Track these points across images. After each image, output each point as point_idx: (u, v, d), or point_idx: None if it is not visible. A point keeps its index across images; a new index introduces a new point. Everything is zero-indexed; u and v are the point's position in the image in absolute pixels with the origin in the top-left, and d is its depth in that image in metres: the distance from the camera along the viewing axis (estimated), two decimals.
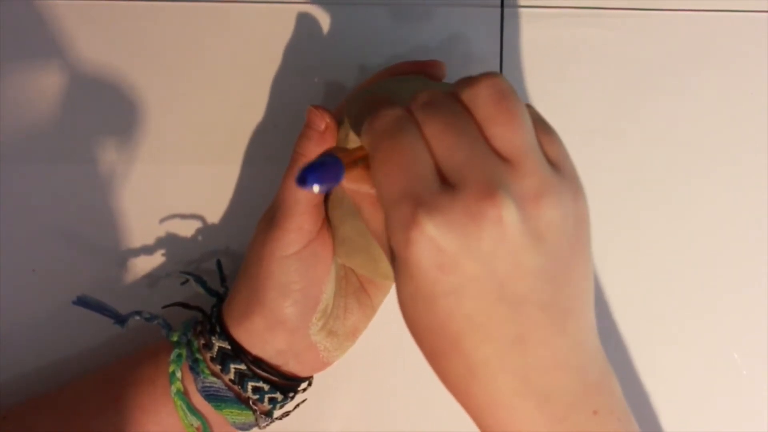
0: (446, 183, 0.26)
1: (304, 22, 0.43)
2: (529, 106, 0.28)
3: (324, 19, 0.43)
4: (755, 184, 0.43)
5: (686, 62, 0.43)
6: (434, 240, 0.25)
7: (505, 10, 0.43)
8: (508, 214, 0.25)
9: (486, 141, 0.26)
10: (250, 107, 0.43)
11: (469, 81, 0.27)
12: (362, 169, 0.29)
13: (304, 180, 0.25)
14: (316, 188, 0.25)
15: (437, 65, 0.38)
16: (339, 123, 0.36)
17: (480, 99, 0.26)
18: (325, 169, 0.25)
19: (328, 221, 0.37)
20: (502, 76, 0.27)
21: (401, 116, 0.27)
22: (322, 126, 0.35)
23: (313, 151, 0.35)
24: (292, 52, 0.43)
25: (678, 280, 0.43)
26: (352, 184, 0.30)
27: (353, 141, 0.34)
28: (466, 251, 0.25)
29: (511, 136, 0.26)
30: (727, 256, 0.43)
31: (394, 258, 0.27)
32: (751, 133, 0.43)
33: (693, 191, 0.43)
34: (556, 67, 0.43)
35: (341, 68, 0.43)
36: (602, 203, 0.43)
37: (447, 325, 0.26)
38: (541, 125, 0.28)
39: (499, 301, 0.26)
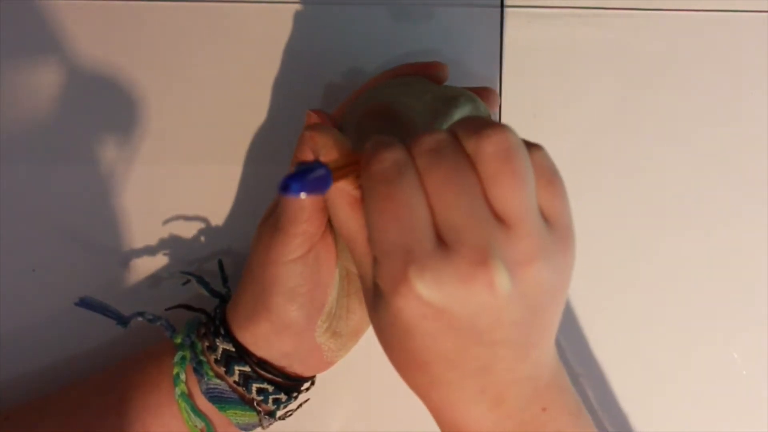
0: (440, 239, 0.26)
1: (304, 22, 0.43)
2: (540, 150, 0.28)
3: (324, 19, 0.43)
4: (755, 184, 0.43)
5: (686, 62, 0.43)
6: (422, 298, 0.26)
7: (505, 10, 0.43)
8: (499, 280, 0.25)
9: (485, 198, 0.26)
10: (251, 107, 0.43)
11: (478, 130, 0.26)
12: (351, 181, 0.29)
13: (286, 187, 0.24)
14: (302, 195, 0.24)
15: (439, 67, 0.38)
16: (339, 127, 0.36)
17: (486, 155, 0.26)
18: (312, 176, 0.25)
19: (330, 224, 0.37)
20: (511, 131, 0.26)
21: (402, 162, 0.26)
22: None
23: (312, 156, 0.35)
24: (292, 52, 0.43)
25: (678, 280, 0.43)
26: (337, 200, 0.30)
27: (357, 143, 0.34)
28: (451, 309, 0.26)
29: (511, 198, 0.26)
30: (727, 255, 0.43)
31: (376, 292, 0.28)
32: (752, 133, 0.43)
33: (693, 191, 0.43)
34: (556, 67, 0.43)
35: (341, 68, 0.43)
36: (602, 203, 0.43)
37: (419, 354, 0.28)
38: (546, 176, 0.27)
39: (475, 345, 0.27)
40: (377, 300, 0.28)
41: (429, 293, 0.25)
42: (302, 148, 0.35)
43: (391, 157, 0.27)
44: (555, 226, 0.27)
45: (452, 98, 0.35)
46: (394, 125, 0.35)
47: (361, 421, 0.43)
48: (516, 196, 0.26)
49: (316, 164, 0.25)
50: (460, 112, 0.35)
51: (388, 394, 0.43)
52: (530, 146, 0.27)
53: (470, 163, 0.26)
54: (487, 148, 0.26)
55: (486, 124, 0.27)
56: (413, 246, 0.25)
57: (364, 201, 0.27)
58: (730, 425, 0.43)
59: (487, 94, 0.38)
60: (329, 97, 0.43)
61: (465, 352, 0.27)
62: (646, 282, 0.43)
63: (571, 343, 0.43)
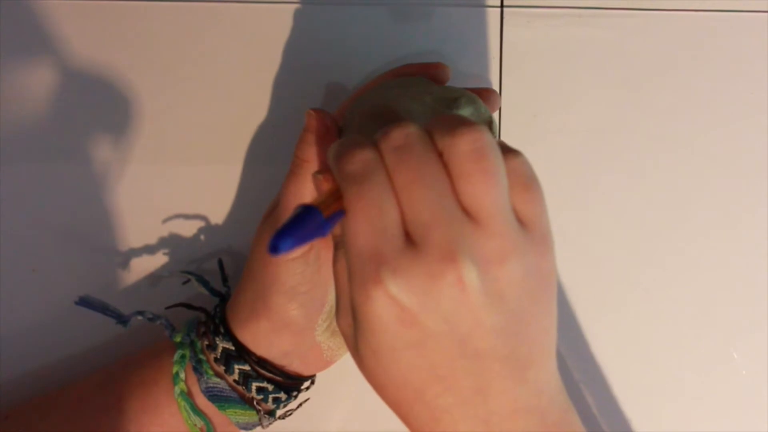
0: (410, 238, 0.25)
1: (304, 22, 0.43)
2: (518, 155, 0.27)
3: (324, 19, 0.43)
4: (755, 184, 0.43)
5: (686, 62, 0.43)
6: (395, 298, 0.25)
7: (505, 10, 0.43)
8: (468, 275, 0.25)
9: (455, 195, 0.26)
10: (251, 107, 0.43)
11: (450, 128, 0.26)
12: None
13: (275, 248, 0.24)
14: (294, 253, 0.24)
15: (441, 68, 0.38)
16: (339, 127, 0.36)
17: (458, 153, 0.26)
18: (303, 231, 0.25)
19: None
20: (485, 131, 0.26)
21: (370, 160, 0.26)
22: (324, 130, 0.35)
23: (313, 155, 0.35)
24: (292, 52, 0.43)
25: (677, 280, 0.43)
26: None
27: None
28: (426, 309, 0.25)
29: (482, 195, 0.26)
30: (727, 255, 0.43)
31: (355, 315, 0.27)
32: (752, 133, 0.44)
33: (693, 191, 0.43)
34: (556, 67, 0.43)
35: (341, 68, 0.43)
36: (602, 202, 0.43)
37: (410, 378, 0.27)
38: (522, 181, 0.27)
39: (461, 356, 0.26)
40: (357, 324, 0.27)
41: (401, 292, 0.25)
42: (303, 147, 0.35)
43: (360, 156, 0.26)
44: (530, 229, 0.27)
45: (453, 99, 0.35)
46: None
47: (360, 421, 0.43)
48: (487, 193, 0.26)
49: (307, 211, 0.25)
50: (461, 113, 0.35)
51: None
52: (509, 151, 0.27)
53: (439, 159, 0.26)
54: (459, 146, 0.26)
55: (460, 123, 0.26)
56: (383, 247, 0.25)
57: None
58: (730, 425, 0.43)
59: (488, 94, 0.38)
60: (330, 96, 0.43)
61: (453, 364, 0.26)
62: (646, 282, 0.43)
63: (571, 344, 0.43)
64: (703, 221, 0.43)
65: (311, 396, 0.41)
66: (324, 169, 0.30)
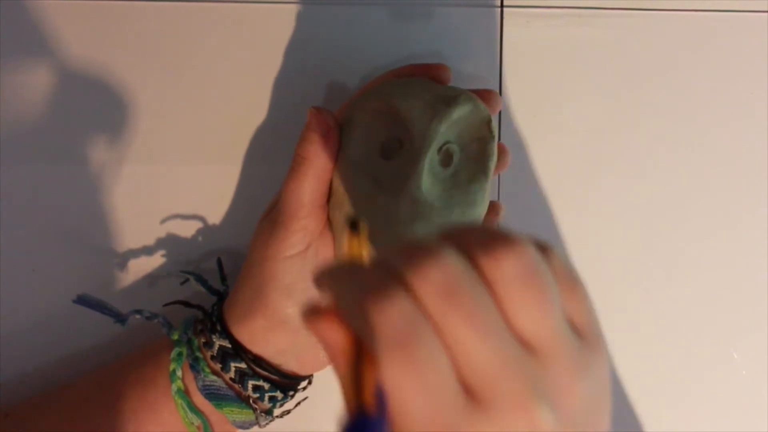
0: (470, 391, 0.22)
1: (304, 22, 0.43)
2: (553, 254, 0.24)
3: (324, 19, 0.43)
4: (755, 184, 0.43)
5: (686, 62, 0.43)
6: None
7: (505, 10, 0.43)
8: (545, 419, 0.22)
9: (511, 330, 0.23)
10: (251, 107, 0.43)
11: (490, 249, 0.23)
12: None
13: None
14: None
15: (442, 69, 0.38)
16: (340, 126, 0.36)
17: (507, 279, 0.22)
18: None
19: (329, 221, 0.37)
20: (528, 245, 0.23)
21: (412, 314, 0.21)
22: (325, 127, 0.35)
23: (315, 154, 0.35)
24: (292, 52, 0.43)
25: (677, 280, 0.43)
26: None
27: (360, 139, 0.35)
28: None
29: (541, 322, 0.23)
30: (727, 255, 0.43)
31: None
32: (751, 133, 0.43)
33: (693, 191, 0.43)
34: (556, 67, 0.43)
35: (341, 68, 0.43)
36: (602, 202, 0.43)
37: None
38: (567, 282, 0.24)
39: None
40: None
41: None
42: (305, 145, 0.35)
43: (398, 312, 0.21)
44: (585, 335, 0.24)
45: (452, 98, 0.35)
46: (395, 124, 0.35)
47: None
48: (546, 319, 0.23)
49: (371, 422, 0.21)
50: (460, 111, 0.35)
51: None
52: (543, 251, 0.24)
53: (488, 292, 0.22)
54: (505, 270, 0.22)
55: (497, 238, 0.23)
56: (446, 415, 0.21)
57: (380, 367, 0.22)
58: (730, 425, 0.43)
59: (488, 96, 0.37)
60: (330, 96, 0.43)
61: None
62: (646, 282, 0.43)
63: None
64: (703, 221, 0.43)
65: (311, 396, 0.41)
66: (326, 309, 0.23)
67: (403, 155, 0.35)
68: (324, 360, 0.38)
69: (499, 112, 0.43)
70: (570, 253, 0.43)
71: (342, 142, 0.36)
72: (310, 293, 0.36)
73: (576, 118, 0.43)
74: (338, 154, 0.36)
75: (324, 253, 0.36)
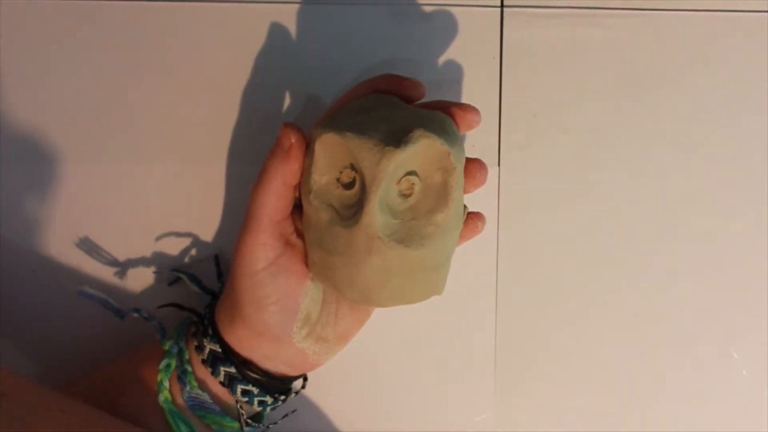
0: None
1: (303, 22, 0.43)
2: None
3: (323, 19, 0.43)
4: (755, 184, 0.43)
5: (686, 62, 0.43)
6: None
7: (505, 10, 0.43)
8: None
9: None
10: (250, 107, 0.43)
11: None
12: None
13: None
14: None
15: (414, 86, 0.36)
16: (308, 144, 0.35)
17: None
18: None
19: (299, 236, 0.37)
20: None
21: None
22: (287, 145, 0.35)
23: (277, 169, 0.35)
24: (291, 51, 0.43)
25: (677, 280, 0.43)
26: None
27: (320, 168, 0.34)
28: None
29: None
30: (727, 255, 0.43)
31: None
32: (751, 133, 0.43)
33: (693, 190, 0.43)
34: (556, 67, 0.43)
35: (341, 68, 0.43)
36: (601, 202, 0.43)
37: None
38: None
39: None
40: None
41: None
42: (269, 159, 0.35)
43: None
44: None
45: (406, 133, 0.33)
46: (346, 157, 0.34)
47: (359, 421, 0.43)
48: None
49: None
50: (411, 149, 0.33)
51: (387, 395, 0.43)
52: None
53: None
54: None
55: None
56: None
57: None
58: (730, 425, 0.43)
59: (463, 113, 0.35)
60: (330, 97, 0.43)
61: None
62: (646, 281, 0.43)
63: (570, 343, 0.43)
64: (703, 221, 0.43)
65: (311, 396, 0.41)
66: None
67: (360, 185, 0.34)
68: (313, 363, 0.38)
69: (499, 113, 0.43)
70: (570, 252, 0.43)
71: (305, 165, 0.35)
72: (284, 305, 0.36)
73: (576, 117, 0.43)
74: (303, 176, 0.35)
75: (292, 267, 0.36)
